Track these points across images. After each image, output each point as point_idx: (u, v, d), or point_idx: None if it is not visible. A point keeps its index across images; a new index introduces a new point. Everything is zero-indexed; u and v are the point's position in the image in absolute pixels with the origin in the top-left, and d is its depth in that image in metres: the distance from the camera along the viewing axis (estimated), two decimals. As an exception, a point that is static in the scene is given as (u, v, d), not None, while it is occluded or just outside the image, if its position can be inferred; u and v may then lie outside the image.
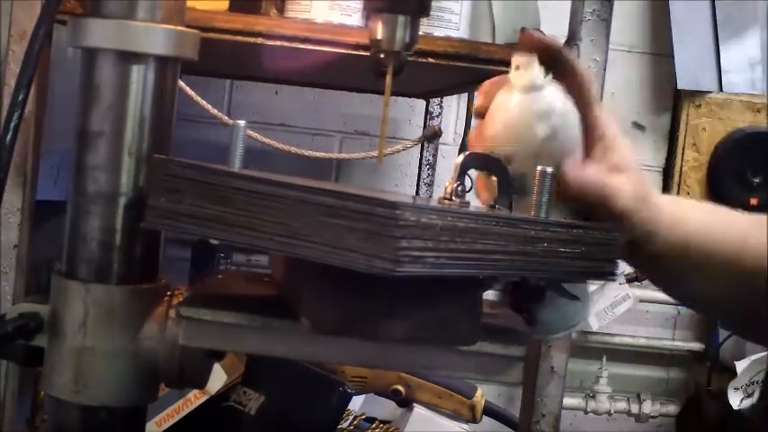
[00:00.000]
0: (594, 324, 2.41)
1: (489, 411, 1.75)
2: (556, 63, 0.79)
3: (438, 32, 1.38)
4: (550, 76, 0.78)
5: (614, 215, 0.80)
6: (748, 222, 0.87)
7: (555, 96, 0.79)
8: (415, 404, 1.65)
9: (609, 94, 2.30)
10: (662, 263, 0.85)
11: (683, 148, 2.46)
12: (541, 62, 0.78)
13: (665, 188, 2.50)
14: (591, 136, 0.81)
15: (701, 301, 0.92)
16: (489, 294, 0.70)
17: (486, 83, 0.83)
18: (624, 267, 0.86)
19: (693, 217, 0.86)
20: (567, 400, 2.26)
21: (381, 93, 0.90)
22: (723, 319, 0.96)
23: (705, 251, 0.85)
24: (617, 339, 2.57)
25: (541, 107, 0.78)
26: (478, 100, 0.82)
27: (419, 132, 2.25)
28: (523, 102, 0.78)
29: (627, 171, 0.81)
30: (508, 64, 0.81)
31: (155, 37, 0.72)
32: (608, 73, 1.25)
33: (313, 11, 1.36)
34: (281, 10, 1.40)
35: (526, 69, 0.78)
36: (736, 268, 0.84)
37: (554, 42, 0.80)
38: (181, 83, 0.80)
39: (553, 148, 0.78)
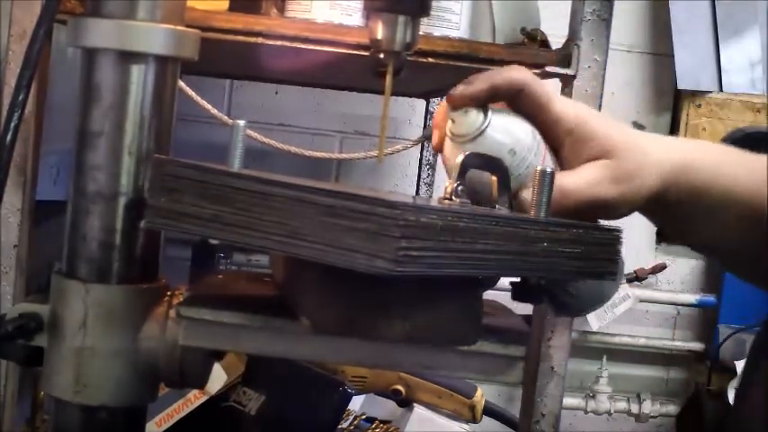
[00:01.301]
0: (594, 324, 2.41)
1: (489, 411, 1.75)
2: (499, 96, 0.77)
3: (438, 32, 1.38)
4: (490, 115, 0.76)
5: (602, 209, 0.79)
6: (763, 161, 0.85)
7: (499, 134, 0.76)
8: (415, 404, 1.66)
9: (609, 94, 2.30)
10: (676, 211, 0.84)
11: (683, 148, 2.46)
12: (483, 102, 0.76)
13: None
14: (559, 135, 0.79)
15: (719, 248, 0.90)
16: (489, 294, 0.70)
17: (435, 115, 0.81)
18: (624, 267, 0.85)
19: (708, 161, 0.84)
20: (567, 400, 2.26)
21: (381, 93, 0.90)
22: (738, 267, 0.94)
23: (723, 196, 0.83)
24: (617, 339, 2.57)
25: (488, 152, 0.75)
26: (434, 136, 0.80)
27: (419, 132, 2.25)
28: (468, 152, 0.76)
29: (610, 151, 0.79)
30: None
31: (155, 37, 0.72)
32: (608, 73, 1.25)
33: (313, 11, 1.36)
34: (281, 10, 1.40)
35: (460, 120, 0.76)
36: (757, 211, 0.82)
37: (477, 87, 0.76)
38: (181, 83, 0.80)
39: (512, 185, 0.76)
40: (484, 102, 0.77)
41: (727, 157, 0.87)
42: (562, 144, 0.80)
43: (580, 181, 0.78)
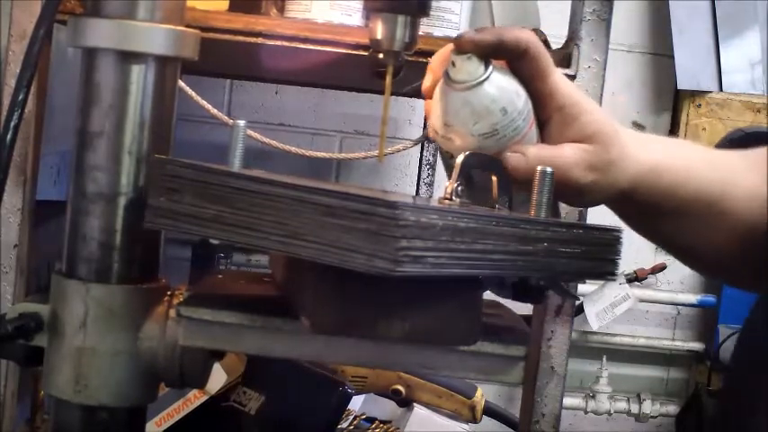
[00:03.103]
0: (594, 324, 2.41)
1: (489, 411, 1.75)
2: (504, 52, 0.77)
3: (438, 32, 1.37)
4: (491, 69, 0.76)
5: (571, 192, 0.80)
6: (735, 165, 0.88)
7: (496, 90, 0.76)
8: (415, 404, 1.65)
9: (609, 94, 2.30)
10: (644, 209, 0.85)
11: (683, 148, 2.45)
12: (486, 56, 0.76)
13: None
14: (549, 108, 0.80)
15: (684, 245, 0.91)
16: (489, 294, 0.70)
17: (434, 59, 0.81)
18: (624, 267, 0.86)
19: (677, 164, 0.85)
20: (567, 400, 2.26)
21: (381, 93, 0.90)
22: (699, 263, 0.97)
23: (688, 196, 0.85)
24: (617, 339, 2.57)
25: (478, 106, 0.76)
26: (426, 79, 0.80)
27: (419, 132, 2.25)
28: (459, 100, 0.76)
29: (593, 136, 0.80)
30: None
31: (155, 37, 0.72)
32: (608, 73, 1.25)
33: (313, 11, 1.36)
34: (281, 10, 1.40)
35: (462, 65, 0.76)
36: (717, 211, 0.85)
37: (490, 38, 0.76)
38: (181, 83, 0.80)
39: (493, 144, 0.77)
40: (489, 52, 0.76)
41: (695, 157, 0.88)
42: (550, 118, 0.80)
43: (557, 159, 0.78)
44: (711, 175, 0.86)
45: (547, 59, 0.79)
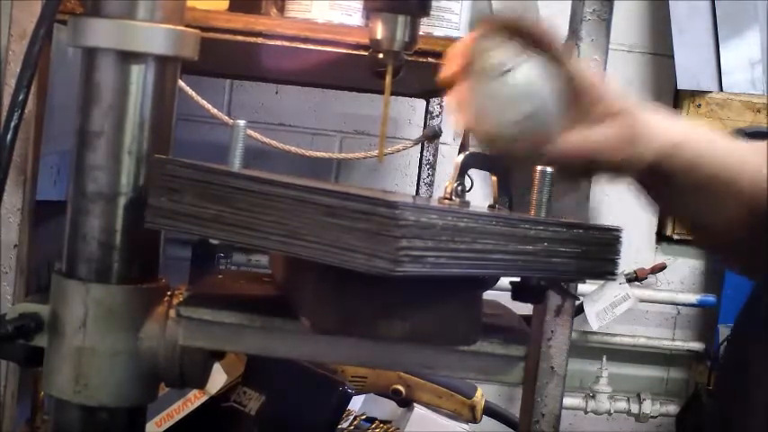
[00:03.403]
0: (594, 324, 2.41)
1: (489, 411, 1.75)
2: (520, 35, 0.79)
3: (438, 32, 1.37)
4: (522, 56, 0.77)
5: (610, 167, 0.83)
6: (747, 148, 0.91)
7: (530, 74, 0.77)
8: (415, 404, 1.65)
9: (609, 94, 2.31)
10: (668, 184, 0.87)
11: (683, 148, 2.45)
12: (512, 38, 0.77)
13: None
14: (574, 92, 0.81)
15: (703, 224, 0.93)
16: (489, 294, 0.70)
17: (455, 47, 0.81)
18: (624, 267, 0.86)
19: (700, 140, 0.88)
20: (567, 400, 2.26)
21: (381, 93, 0.90)
22: (719, 248, 0.99)
23: (709, 172, 0.86)
24: (617, 339, 2.57)
25: (513, 92, 0.76)
26: (446, 68, 0.81)
27: (419, 132, 2.25)
28: (493, 89, 0.76)
29: (620, 114, 0.83)
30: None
31: (155, 37, 0.72)
32: (608, 73, 1.25)
33: (313, 11, 1.36)
34: (281, 10, 1.40)
35: (493, 52, 0.76)
36: (735, 190, 0.87)
37: (512, 19, 0.78)
38: (181, 83, 0.80)
39: (531, 129, 0.77)
40: (516, 32, 0.78)
41: (716, 137, 0.92)
42: (576, 101, 0.82)
43: (592, 139, 0.81)
44: (733, 153, 0.89)
45: (561, 45, 0.81)
